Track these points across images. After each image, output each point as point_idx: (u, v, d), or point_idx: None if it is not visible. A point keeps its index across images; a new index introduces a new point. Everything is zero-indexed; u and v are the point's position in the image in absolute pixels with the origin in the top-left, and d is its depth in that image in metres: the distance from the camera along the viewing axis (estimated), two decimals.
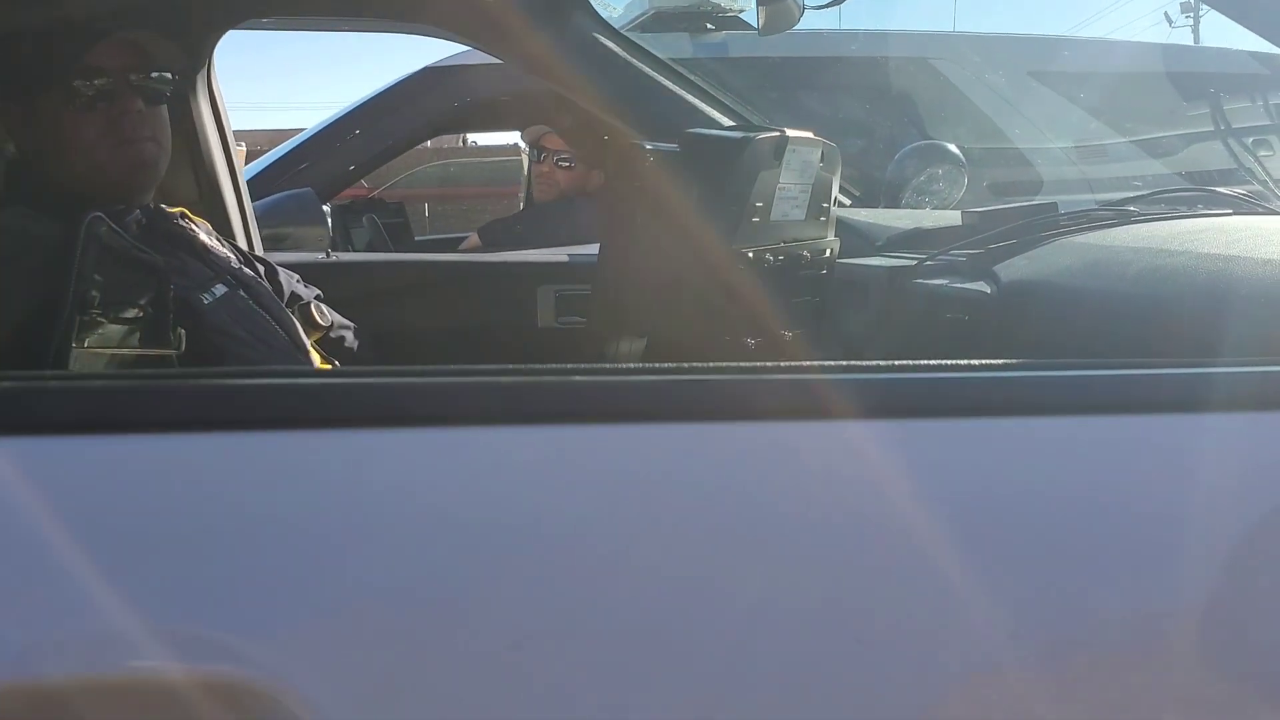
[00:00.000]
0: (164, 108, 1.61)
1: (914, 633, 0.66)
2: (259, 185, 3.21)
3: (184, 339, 1.25)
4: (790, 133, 1.28)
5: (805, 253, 1.36)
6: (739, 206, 1.21)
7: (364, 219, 3.59)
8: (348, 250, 3.74)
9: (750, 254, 1.24)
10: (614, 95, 2.18)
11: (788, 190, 1.29)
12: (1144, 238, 1.33)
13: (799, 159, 1.28)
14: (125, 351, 1.15)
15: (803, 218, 1.34)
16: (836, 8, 1.57)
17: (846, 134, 3.40)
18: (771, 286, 1.32)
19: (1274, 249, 1.11)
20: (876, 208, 2.28)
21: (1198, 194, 1.69)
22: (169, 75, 1.60)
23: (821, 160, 1.34)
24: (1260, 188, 1.69)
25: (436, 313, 2.32)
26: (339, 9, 2.11)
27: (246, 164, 3.76)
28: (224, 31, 2.11)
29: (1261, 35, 1.00)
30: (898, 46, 3.68)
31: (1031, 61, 3.65)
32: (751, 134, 1.23)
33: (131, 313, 1.19)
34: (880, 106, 3.56)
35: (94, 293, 1.14)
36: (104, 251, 1.19)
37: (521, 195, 4.06)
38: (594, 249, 2.47)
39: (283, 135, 4.91)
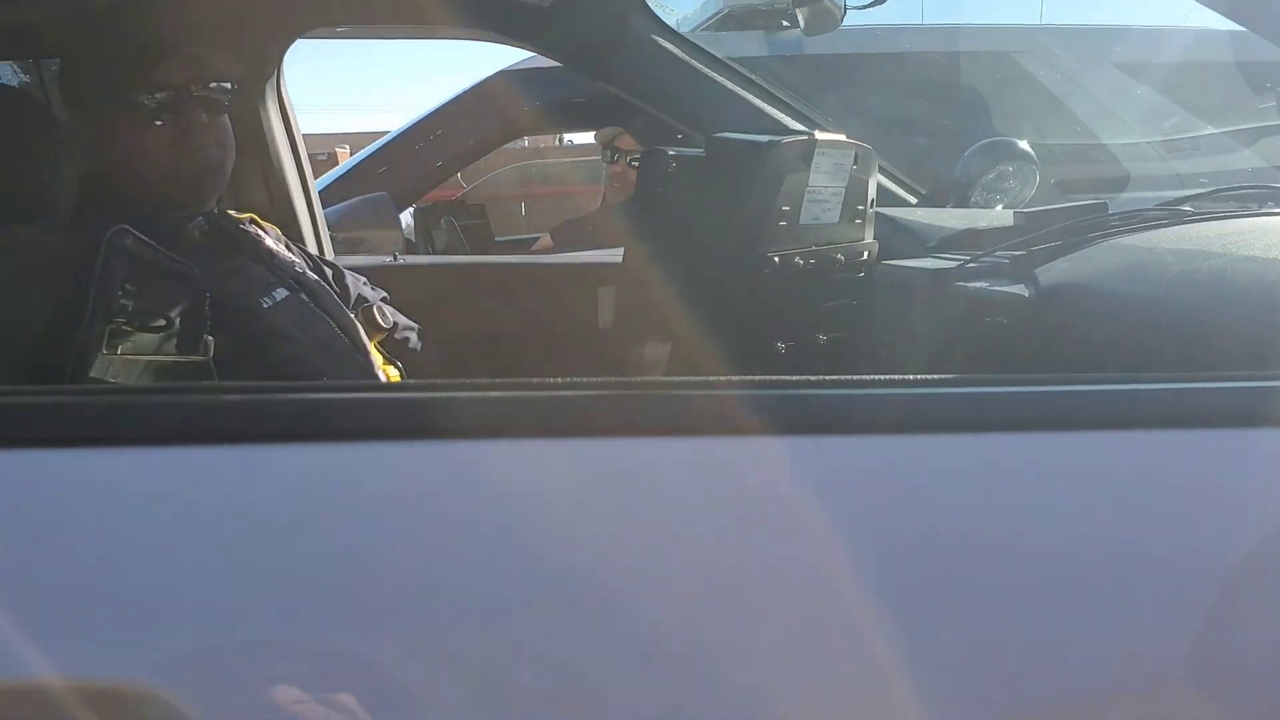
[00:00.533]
0: (225, 116, 1.65)
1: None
2: (343, 188, 3.30)
3: (211, 346, 1.29)
4: (820, 135, 1.27)
5: (840, 255, 1.34)
6: (765, 210, 1.21)
7: (442, 221, 3.65)
8: (429, 252, 3.81)
9: (777, 258, 1.23)
10: (673, 97, 2.18)
11: (818, 193, 1.28)
12: (1190, 239, 1.29)
13: (830, 162, 1.27)
14: (160, 358, 1.20)
15: (836, 220, 1.33)
16: (877, 6, 1.55)
17: (921, 130, 3.35)
18: (803, 290, 1.31)
19: None
20: (945, 207, 2.24)
21: (1267, 191, 1.62)
22: (228, 85, 1.65)
23: (855, 163, 1.33)
24: None
25: (500, 313, 2.35)
26: (401, 17, 2.14)
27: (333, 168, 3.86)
28: (291, 41, 2.17)
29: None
30: (978, 40, 3.60)
31: (1116, 53, 3.54)
32: (777, 138, 1.22)
33: (163, 321, 1.24)
34: (959, 102, 3.49)
35: (124, 301, 1.19)
36: (133, 262, 1.23)
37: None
38: None
39: (371, 137, 5.02)
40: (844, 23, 2.63)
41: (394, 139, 3.57)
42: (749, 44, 3.49)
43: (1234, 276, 1.08)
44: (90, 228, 1.23)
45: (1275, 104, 1.52)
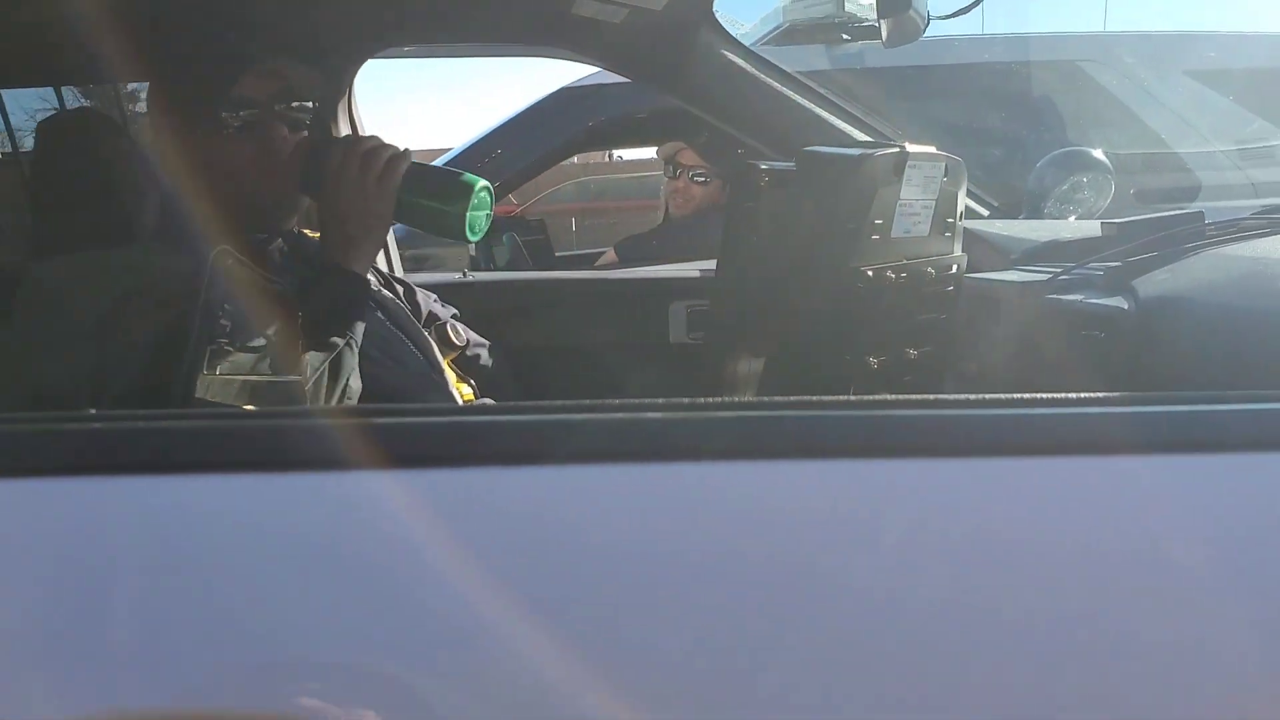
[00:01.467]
0: (306, 135, 1.66)
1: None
2: None
3: (308, 366, 1.29)
4: (911, 148, 1.25)
5: (930, 269, 1.32)
6: (857, 224, 1.19)
7: (504, 237, 3.66)
8: (490, 268, 3.82)
9: (870, 272, 1.21)
10: (743, 111, 2.17)
11: (909, 206, 1.26)
12: None
13: (920, 174, 1.25)
14: (256, 378, 1.20)
15: (926, 233, 1.31)
16: (966, 15, 1.53)
17: (988, 142, 3.31)
18: (895, 304, 1.29)
19: None
20: (1018, 219, 2.20)
21: None
22: (310, 104, 1.65)
23: (945, 175, 1.30)
24: None
25: (570, 329, 2.35)
26: (472, 35, 2.15)
27: None
28: (363, 61, 2.19)
29: None
30: (1043, 50, 3.56)
31: (1188, 60, 3.48)
32: (870, 151, 1.20)
33: (260, 341, 1.24)
34: (1025, 113, 3.45)
35: (224, 322, 1.19)
36: (233, 283, 1.24)
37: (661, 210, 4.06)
38: None
39: (428, 154, 5.05)
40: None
41: (458, 155, 3.59)
42: (811, 58, 3.47)
43: None
44: (189, 248, 1.24)
45: None
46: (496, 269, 3.75)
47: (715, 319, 1.31)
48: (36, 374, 1.15)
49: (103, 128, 1.75)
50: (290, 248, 1.69)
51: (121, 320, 1.18)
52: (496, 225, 3.98)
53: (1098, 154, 2.39)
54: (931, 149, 1.30)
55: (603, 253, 3.65)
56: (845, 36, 3.65)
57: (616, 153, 10.78)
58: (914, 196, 1.26)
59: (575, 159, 9.94)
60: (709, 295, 1.33)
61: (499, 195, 3.82)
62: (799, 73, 2.40)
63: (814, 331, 1.20)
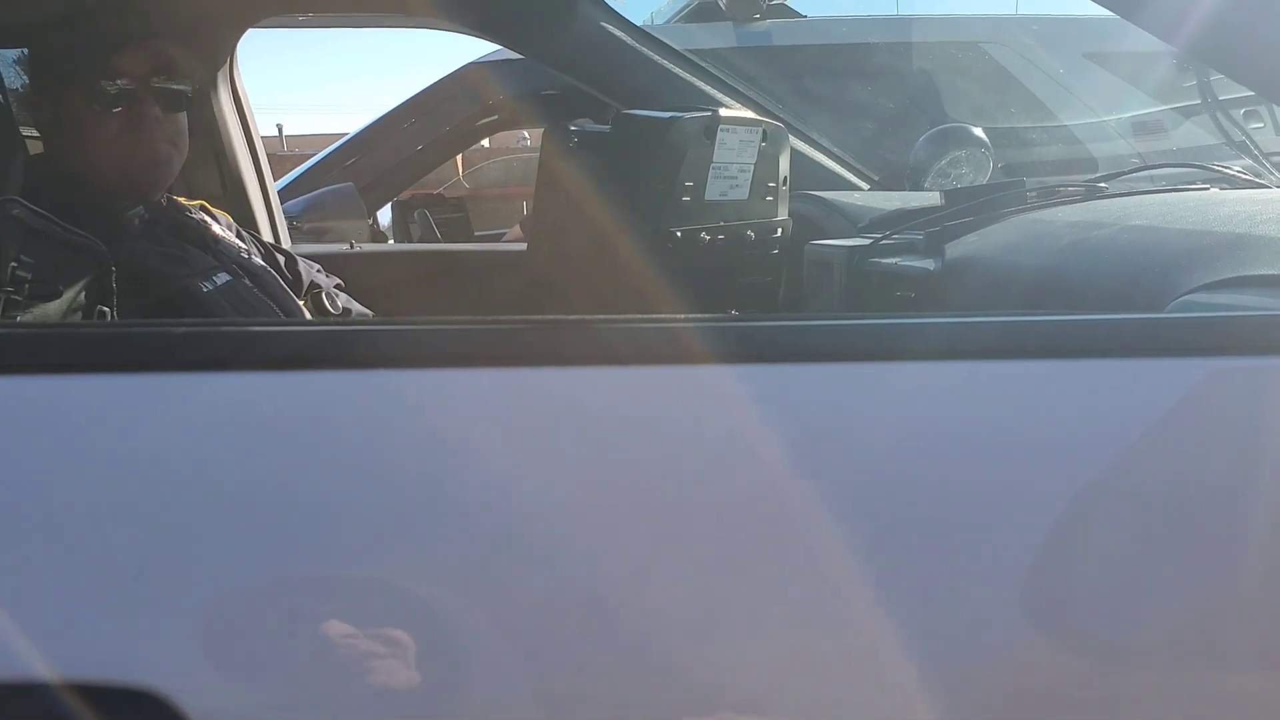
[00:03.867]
0: (183, 114, 1.67)
1: None
2: (310, 181, 3.32)
3: (110, 317, 1.31)
4: (724, 112, 1.29)
5: (749, 232, 1.36)
6: (667, 186, 1.23)
7: (416, 214, 3.68)
8: (408, 243, 3.83)
9: (680, 233, 1.25)
10: (620, 83, 2.20)
11: (724, 169, 1.30)
12: (1091, 212, 1.31)
13: (735, 138, 1.29)
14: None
15: (745, 197, 1.35)
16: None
17: (889, 120, 3.36)
18: (713, 266, 1.33)
19: (1195, 220, 1.08)
20: (900, 191, 2.25)
21: (1191, 169, 1.64)
22: (188, 84, 1.66)
23: (764, 140, 1.34)
24: (1253, 160, 1.63)
25: (453, 300, 2.37)
26: (354, 6, 2.17)
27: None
28: (244, 30, 2.19)
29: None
30: (947, 31, 3.62)
31: (1086, 42, 3.56)
32: (680, 114, 1.24)
33: (64, 291, 1.26)
34: (927, 92, 3.51)
35: (20, 273, 1.21)
36: (28, 234, 1.26)
37: None
38: None
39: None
40: (811, 13, 2.64)
41: (363, 131, 3.59)
42: (719, 35, 3.50)
43: (1116, 244, 1.10)
44: None
45: (1195, 84, 1.54)
46: (413, 242, 3.77)
47: (528, 282, 1.34)
48: None
49: None
50: (152, 215, 1.71)
51: None
52: (412, 203, 4.01)
53: (977, 131, 2.44)
54: (748, 114, 1.34)
55: (509, 230, 3.68)
56: (755, 15, 3.68)
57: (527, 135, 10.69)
58: (729, 160, 1.30)
59: (527, 140, 9.91)
60: (525, 256, 1.37)
61: (416, 172, 3.83)
62: (708, 50, 2.43)
63: (626, 292, 1.24)
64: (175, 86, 1.63)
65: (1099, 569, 0.75)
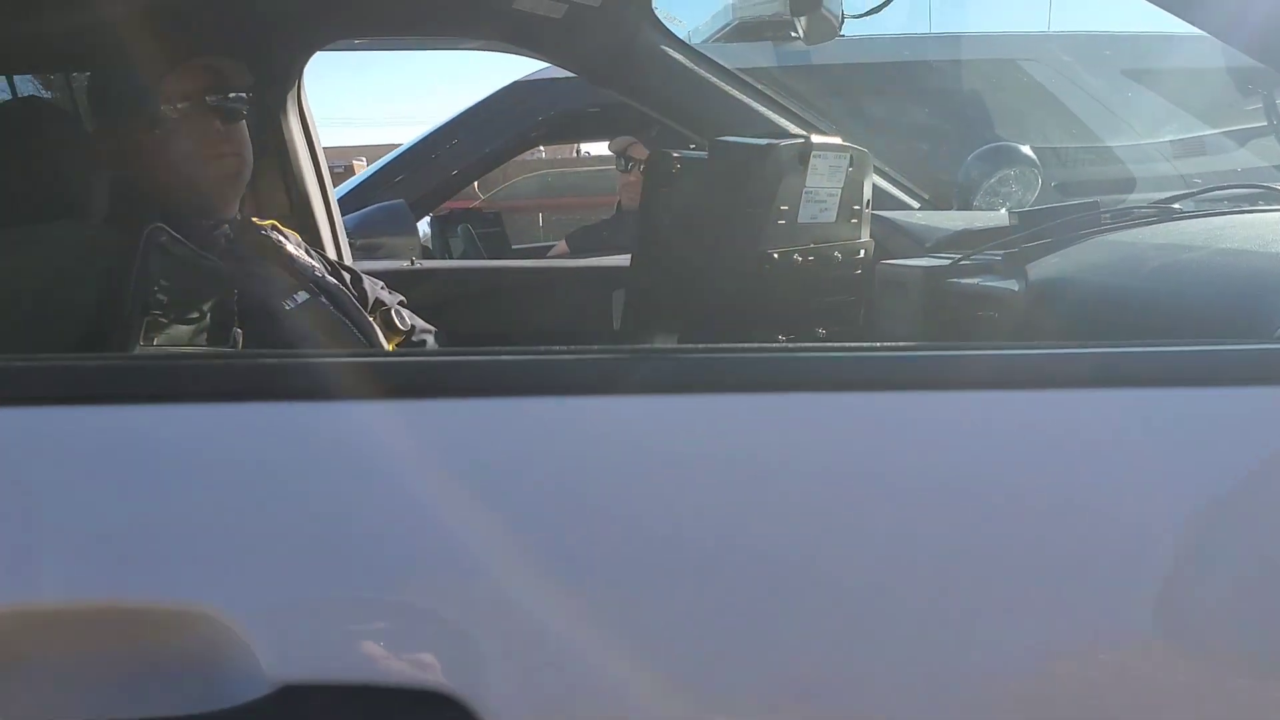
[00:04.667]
0: (243, 124, 1.71)
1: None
2: (360, 197, 3.37)
3: (240, 339, 1.36)
4: (815, 139, 1.33)
5: (836, 253, 1.40)
6: (764, 210, 1.27)
7: (459, 229, 3.73)
8: (446, 258, 3.88)
9: (776, 255, 1.29)
10: (680, 104, 2.25)
11: (815, 194, 1.34)
12: (1174, 234, 1.34)
13: (826, 164, 1.33)
14: (192, 350, 1.26)
15: (833, 219, 1.39)
16: (875, 14, 1.61)
17: (928, 138, 3.40)
18: (803, 286, 1.37)
19: None
20: (949, 210, 2.29)
21: (1257, 190, 1.67)
22: (244, 94, 1.71)
23: (851, 164, 1.38)
24: None
25: (514, 316, 2.41)
26: (418, 30, 2.21)
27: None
28: (311, 53, 2.24)
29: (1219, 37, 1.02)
30: (984, 49, 3.65)
31: (1124, 59, 3.59)
32: (776, 141, 1.28)
33: (195, 315, 1.30)
34: (966, 110, 3.54)
35: (160, 296, 1.25)
36: (168, 259, 1.30)
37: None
38: None
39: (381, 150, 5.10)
40: (850, 32, 2.68)
41: (411, 148, 3.64)
42: (759, 55, 3.55)
43: (1211, 267, 1.13)
44: (126, 225, 1.30)
45: (1262, 106, 1.57)
46: (453, 258, 3.81)
47: (631, 303, 1.38)
48: None
49: (50, 113, 1.80)
50: (235, 233, 1.75)
51: (59, 290, 1.24)
52: (452, 218, 4.06)
53: (1025, 149, 2.48)
54: (837, 140, 1.38)
55: (556, 244, 3.73)
56: (793, 34, 3.72)
57: (584, 147, 10.82)
58: (820, 184, 1.34)
59: (542, 153, 9.96)
60: (627, 280, 1.41)
61: (455, 187, 3.88)
62: (747, 69, 2.47)
63: (724, 312, 1.28)
64: (232, 98, 1.68)
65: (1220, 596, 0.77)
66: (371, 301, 2.06)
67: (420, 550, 0.61)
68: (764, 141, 1.28)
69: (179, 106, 1.63)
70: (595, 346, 0.75)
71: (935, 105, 3.61)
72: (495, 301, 2.44)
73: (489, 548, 0.62)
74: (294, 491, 0.62)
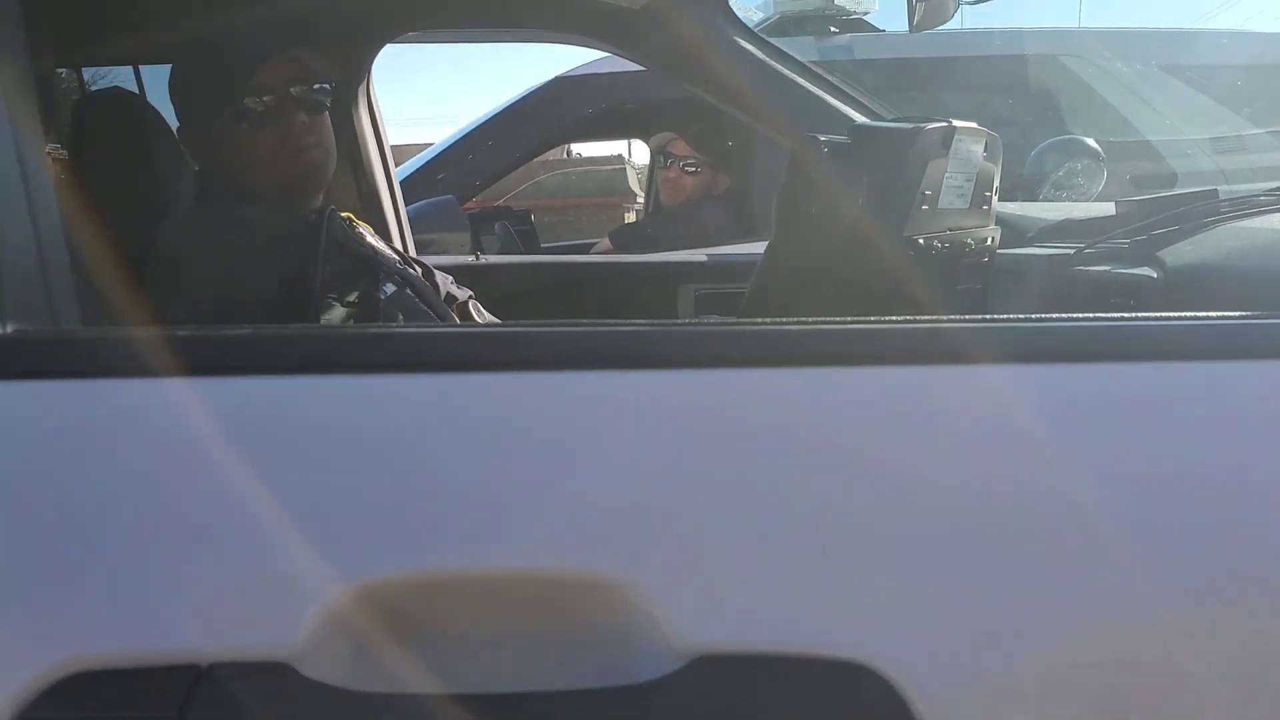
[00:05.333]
0: (326, 115, 1.70)
1: None
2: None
3: (401, 320, 1.34)
4: (956, 123, 1.31)
5: (969, 240, 1.39)
6: (910, 195, 1.25)
7: (496, 226, 3.71)
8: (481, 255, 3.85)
9: (921, 239, 1.28)
10: (758, 98, 2.23)
11: (954, 179, 1.33)
12: None
13: (964, 149, 1.32)
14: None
15: (966, 206, 1.38)
16: (985, 3, 1.59)
17: None
18: (939, 273, 1.36)
19: None
20: (1015, 201, 2.28)
21: None
22: (328, 85, 1.70)
23: (985, 150, 1.37)
24: None
25: (581, 311, 2.40)
26: (492, 21, 2.19)
27: None
28: (382, 45, 2.22)
29: None
30: (1024, 44, 3.66)
31: (1163, 55, 3.60)
32: (921, 125, 1.27)
33: (352, 298, 1.29)
34: (1007, 104, 3.55)
35: (327, 279, 1.24)
36: (333, 243, 1.28)
37: (627, 205, 4.05)
38: (730, 250, 2.53)
39: (405, 151, 5.06)
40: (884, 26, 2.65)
41: (450, 145, 3.62)
42: (800, 49, 3.54)
43: None
44: (294, 208, 1.28)
45: None
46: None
47: (767, 288, 1.36)
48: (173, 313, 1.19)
49: (138, 108, 1.78)
50: (328, 223, 1.74)
51: (247, 269, 1.22)
52: (486, 214, 4.03)
53: (1092, 142, 2.48)
54: (974, 125, 1.37)
55: (593, 243, 3.71)
56: (833, 29, 3.72)
57: (575, 149, 10.82)
58: (958, 170, 1.33)
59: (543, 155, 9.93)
60: (761, 266, 1.39)
61: (486, 186, 3.87)
62: None
63: (868, 298, 1.26)
64: (315, 89, 1.67)
65: None
66: (444, 295, 2.05)
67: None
68: (910, 125, 1.27)
69: (264, 100, 1.62)
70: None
71: (978, 100, 3.61)
72: (561, 297, 2.42)
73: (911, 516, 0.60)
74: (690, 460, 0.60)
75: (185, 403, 0.59)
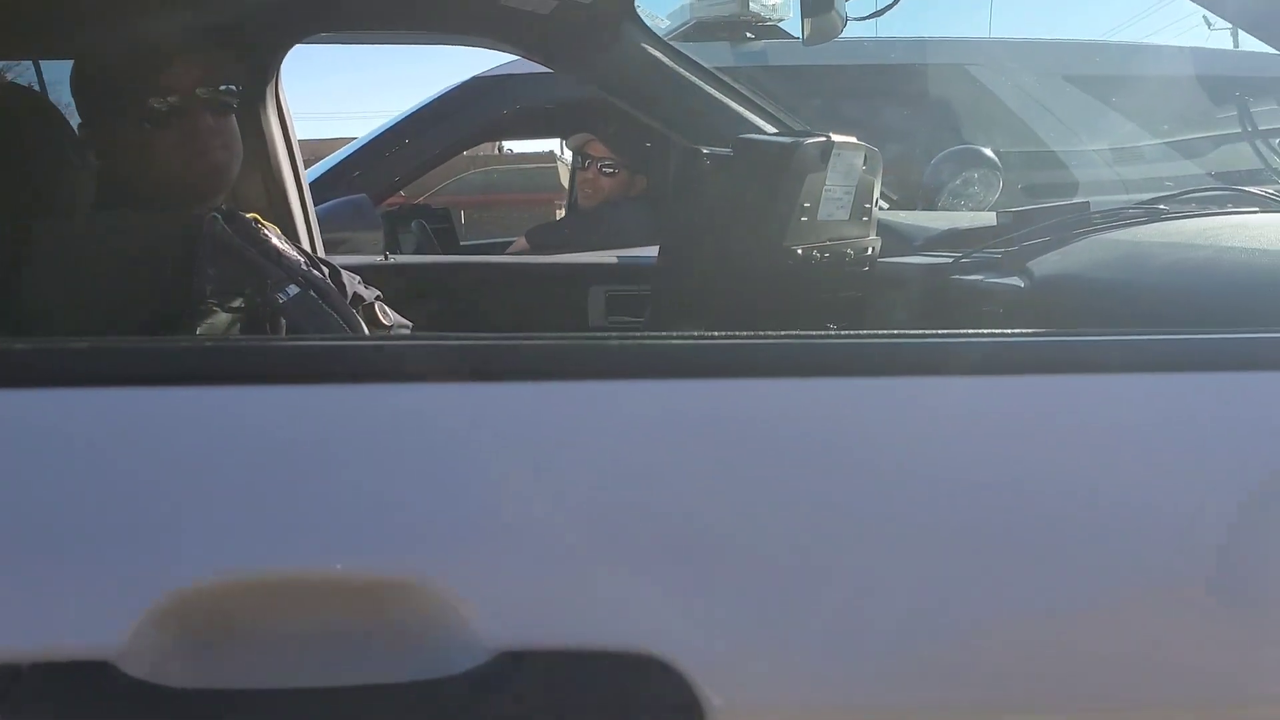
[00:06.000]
0: (232, 117, 1.70)
1: None
2: (314, 192, 3.33)
3: (284, 328, 1.36)
4: (836, 137, 1.37)
5: (849, 250, 1.44)
6: (789, 206, 1.30)
7: (412, 224, 3.71)
8: (397, 254, 3.85)
9: (799, 250, 1.33)
10: (663, 103, 2.28)
11: (833, 191, 1.38)
12: (1172, 234, 1.41)
13: (844, 162, 1.37)
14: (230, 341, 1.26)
15: (846, 217, 1.43)
16: (876, 19, 1.65)
17: (882, 140, 3.47)
18: (819, 283, 1.41)
19: None
20: (914, 210, 2.36)
21: (1227, 193, 1.75)
22: (234, 87, 1.69)
23: (864, 163, 1.43)
24: None
25: (491, 312, 2.41)
26: (401, 23, 2.21)
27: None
28: (290, 46, 2.22)
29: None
30: (933, 53, 3.75)
31: (1066, 66, 3.71)
32: (801, 138, 1.32)
33: (237, 303, 1.30)
34: (916, 113, 3.63)
35: (207, 285, 1.25)
36: (217, 247, 1.30)
37: (558, 202, 4.08)
38: (641, 251, 2.57)
39: (329, 145, 5.04)
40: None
41: (367, 143, 3.62)
42: (715, 54, 3.60)
43: (1221, 265, 1.19)
44: (176, 213, 1.29)
45: (1236, 114, 1.65)
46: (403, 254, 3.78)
47: (659, 296, 1.40)
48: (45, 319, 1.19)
49: (37, 106, 1.77)
50: (230, 225, 1.74)
51: (118, 276, 1.22)
52: (403, 213, 4.03)
53: (988, 152, 2.57)
54: (853, 139, 1.42)
55: (511, 241, 3.72)
56: (749, 35, 3.78)
57: (506, 145, 10.81)
58: (837, 183, 1.38)
59: (464, 151, 9.91)
60: (652, 275, 1.43)
61: (404, 184, 3.87)
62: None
63: (750, 306, 1.31)
64: (221, 91, 1.66)
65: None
66: (350, 296, 2.06)
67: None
68: (790, 139, 1.31)
69: (169, 100, 1.61)
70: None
71: (884, 108, 3.69)
72: (470, 297, 2.44)
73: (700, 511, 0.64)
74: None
75: (6, 413, 0.61)
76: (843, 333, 0.85)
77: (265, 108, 2.23)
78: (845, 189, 1.40)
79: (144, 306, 1.22)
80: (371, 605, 0.60)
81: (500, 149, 11.13)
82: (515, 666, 0.58)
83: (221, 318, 1.28)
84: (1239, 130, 1.98)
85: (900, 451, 0.73)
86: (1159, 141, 3.64)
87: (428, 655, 0.58)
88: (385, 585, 0.59)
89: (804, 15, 1.54)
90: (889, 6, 1.54)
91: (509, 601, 0.60)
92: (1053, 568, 0.74)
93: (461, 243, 4.38)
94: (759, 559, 0.64)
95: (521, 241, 3.49)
